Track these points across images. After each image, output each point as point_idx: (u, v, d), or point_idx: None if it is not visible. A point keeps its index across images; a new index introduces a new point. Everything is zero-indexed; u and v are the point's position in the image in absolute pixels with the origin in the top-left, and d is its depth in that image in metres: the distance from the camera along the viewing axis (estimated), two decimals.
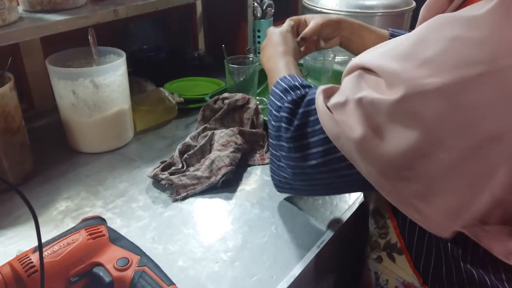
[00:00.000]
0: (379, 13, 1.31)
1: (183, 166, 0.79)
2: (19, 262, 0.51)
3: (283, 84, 0.64)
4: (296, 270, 0.60)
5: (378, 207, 0.65)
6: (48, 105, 1.06)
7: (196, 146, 0.83)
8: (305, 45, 0.89)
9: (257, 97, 1.10)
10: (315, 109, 0.54)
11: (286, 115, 0.59)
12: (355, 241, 0.74)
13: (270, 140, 0.65)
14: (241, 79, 1.00)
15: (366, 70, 0.50)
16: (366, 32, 0.88)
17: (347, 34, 0.89)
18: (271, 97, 0.65)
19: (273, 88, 0.67)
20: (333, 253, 0.70)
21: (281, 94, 0.63)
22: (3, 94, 0.71)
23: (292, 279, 0.58)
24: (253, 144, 0.88)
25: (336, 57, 1.08)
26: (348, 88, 0.51)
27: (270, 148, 0.66)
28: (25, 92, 1.03)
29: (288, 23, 0.86)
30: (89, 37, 0.87)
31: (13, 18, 0.77)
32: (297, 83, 0.64)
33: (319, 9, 1.35)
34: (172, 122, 1.02)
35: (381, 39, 0.85)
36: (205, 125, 0.91)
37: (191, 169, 0.80)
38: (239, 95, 0.92)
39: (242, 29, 1.32)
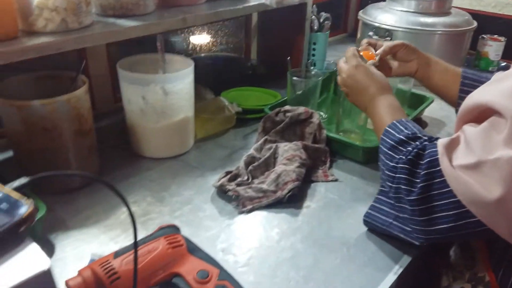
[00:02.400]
0: (439, 32, 1.28)
1: (248, 178, 0.78)
2: (101, 267, 0.51)
3: (389, 140, 0.63)
4: None
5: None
6: (107, 108, 1.07)
7: (260, 158, 0.82)
8: (379, 67, 0.86)
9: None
10: (439, 170, 0.53)
11: (404, 176, 0.57)
12: (431, 269, 0.71)
13: (388, 190, 0.63)
14: (300, 92, 0.99)
15: (493, 112, 0.48)
16: (441, 69, 0.86)
17: (423, 63, 0.86)
18: (381, 155, 0.64)
19: (381, 144, 0.65)
20: (409, 280, 0.67)
21: (391, 153, 0.61)
22: (79, 97, 0.72)
23: None
24: (315, 160, 0.87)
25: None
26: (479, 147, 0.49)
27: (384, 192, 0.65)
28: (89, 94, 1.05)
29: (353, 52, 0.81)
30: (157, 43, 0.89)
31: (87, 21, 0.78)
32: (404, 134, 0.62)
33: (377, 24, 1.33)
34: (230, 132, 1.01)
35: (455, 77, 0.83)
36: (266, 137, 0.90)
37: (256, 181, 0.79)
38: (301, 109, 0.91)
39: (298, 41, 1.31)
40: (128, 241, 0.66)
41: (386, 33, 1.31)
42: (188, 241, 0.58)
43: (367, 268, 0.62)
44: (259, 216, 0.73)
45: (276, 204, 0.75)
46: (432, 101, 1.09)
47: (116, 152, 0.91)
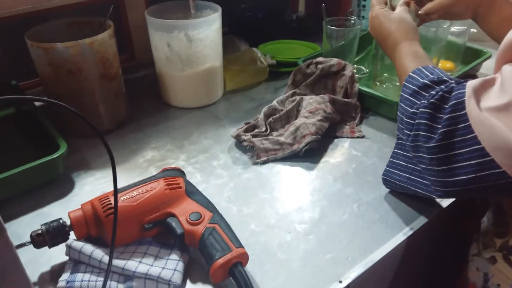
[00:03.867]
0: None
1: (266, 130, 0.76)
2: (100, 202, 0.53)
3: (412, 86, 0.56)
4: (377, 255, 0.54)
5: (500, 203, 0.56)
6: (148, 58, 1.08)
7: (282, 110, 0.79)
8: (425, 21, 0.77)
9: (355, 65, 1.02)
10: (464, 113, 0.47)
11: (425, 121, 0.51)
12: (454, 234, 0.65)
13: (404, 144, 0.58)
14: (339, 44, 0.93)
15: None
16: (507, 5, 0.73)
17: (483, 11, 0.74)
18: (401, 103, 0.58)
19: (402, 91, 0.59)
20: (424, 243, 0.63)
21: (412, 99, 0.55)
22: (102, 41, 0.73)
23: (370, 264, 0.53)
24: (344, 114, 0.82)
25: (452, 27, 0.95)
26: (511, 86, 0.43)
27: (397, 147, 0.60)
28: (127, 43, 1.07)
29: None
30: None
31: None
32: (429, 79, 0.55)
33: None
34: (262, 85, 0.99)
35: None
36: (295, 90, 0.86)
37: (275, 133, 0.76)
38: (334, 60, 0.86)
39: None
40: None
41: None
42: (189, 184, 0.58)
43: (374, 226, 0.59)
44: (273, 168, 0.71)
45: (293, 157, 0.73)
46: (490, 56, 0.97)
47: (148, 100, 0.93)
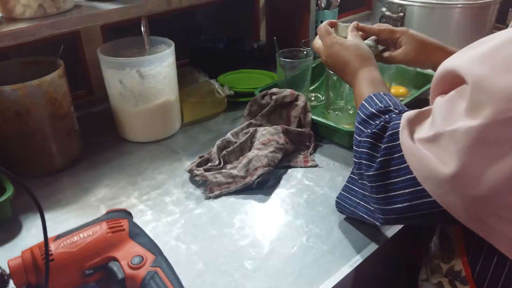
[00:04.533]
0: (460, 5, 1.17)
1: (220, 163, 0.77)
2: (39, 249, 0.52)
3: (362, 114, 0.59)
4: None
5: (445, 228, 0.58)
6: (106, 92, 1.09)
7: (236, 142, 0.80)
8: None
9: (312, 94, 1.04)
10: (399, 143, 0.48)
11: (366, 150, 0.53)
12: (406, 259, 0.66)
13: (353, 173, 0.60)
14: (294, 74, 0.95)
15: (462, 80, 0.43)
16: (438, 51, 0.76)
17: (437, 55, 0.76)
18: (355, 130, 0.60)
19: (356, 118, 0.61)
20: (374, 273, 0.63)
21: (360, 127, 0.57)
22: (51, 81, 0.73)
23: None
24: (298, 144, 0.83)
25: None
26: (440, 118, 0.44)
27: (352, 176, 0.62)
28: (85, 78, 1.07)
29: (325, 29, 0.75)
30: (141, 26, 0.88)
31: (68, 6, 0.79)
32: (377, 108, 0.57)
33: (395, 0, 1.23)
34: (220, 115, 1.00)
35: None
36: (251, 120, 0.87)
37: (228, 166, 0.77)
38: (287, 91, 0.87)
39: (304, 19, 1.25)
40: None
41: (399, 9, 1.22)
42: (133, 225, 0.57)
43: (322, 259, 0.59)
44: (226, 202, 0.71)
45: (246, 190, 0.73)
46: None
47: (105, 135, 0.92)
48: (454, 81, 0.45)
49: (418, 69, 1.02)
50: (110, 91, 0.86)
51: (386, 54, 0.80)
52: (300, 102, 0.86)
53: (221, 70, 1.14)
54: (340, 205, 0.64)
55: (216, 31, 1.35)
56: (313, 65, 0.98)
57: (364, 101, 0.61)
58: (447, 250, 0.61)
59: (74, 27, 0.80)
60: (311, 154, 0.82)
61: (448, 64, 0.47)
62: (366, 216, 0.58)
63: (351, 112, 0.92)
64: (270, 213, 0.68)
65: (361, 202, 0.59)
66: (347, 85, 0.86)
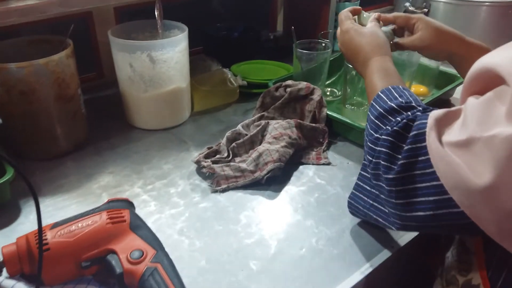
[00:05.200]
0: (487, 3, 1.12)
1: (228, 155, 0.73)
2: (35, 237, 0.49)
3: (379, 107, 0.54)
4: None
5: (464, 240, 0.54)
6: (113, 77, 1.06)
7: (246, 135, 0.77)
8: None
9: (328, 88, 1.00)
10: (425, 145, 0.44)
11: (386, 150, 0.48)
12: (420, 267, 0.63)
13: (365, 171, 0.56)
14: (310, 67, 0.91)
15: (501, 80, 0.39)
16: (479, 50, 0.72)
17: (457, 60, 0.74)
18: (367, 124, 0.56)
19: (369, 111, 0.56)
20: (387, 280, 0.60)
21: (377, 122, 0.53)
22: (58, 61, 0.70)
23: None
24: (311, 140, 0.79)
25: None
26: (475, 121, 0.40)
27: (363, 170, 0.57)
28: (96, 61, 1.04)
29: (345, 15, 0.73)
30: (155, 10, 0.84)
31: None
32: (397, 103, 0.53)
33: None
34: (232, 106, 0.96)
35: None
36: (263, 113, 0.84)
37: (237, 159, 0.74)
38: (303, 84, 0.83)
39: (324, 11, 1.21)
40: None
41: (423, 4, 1.17)
42: (135, 217, 0.55)
43: (331, 263, 0.56)
44: (233, 196, 0.68)
45: (254, 185, 0.70)
46: (462, 82, 0.95)
47: (111, 121, 0.89)
48: (491, 81, 0.41)
49: (441, 68, 0.97)
50: (119, 74, 0.83)
51: (401, 40, 0.76)
52: (316, 96, 0.82)
53: (234, 60, 1.10)
54: (352, 207, 0.60)
55: (232, 19, 1.31)
56: (331, 59, 0.94)
57: (381, 92, 0.56)
58: (465, 262, 0.57)
59: (84, 6, 0.78)
60: (324, 151, 0.78)
61: (485, 61, 0.42)
62: (380, 219, 0.54)
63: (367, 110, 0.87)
64: (279, 211, 0.65)
65: (374, 204, 0.55)
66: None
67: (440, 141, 0.43)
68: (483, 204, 0.39)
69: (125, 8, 1.02)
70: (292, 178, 0.72)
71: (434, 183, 0.43)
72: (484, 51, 0.70)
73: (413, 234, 0.61)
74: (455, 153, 0.41)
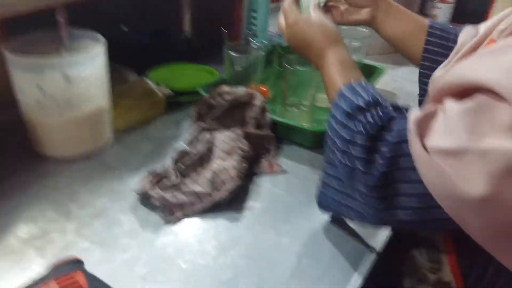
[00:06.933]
0: None
1: (177, 178, 0.64)
2: None
3: (345, 107, 0.50)
4: None
5: (431, 238, 0.53)
6: (7, 98, 0.88)
7: (194, 153, 0.68)
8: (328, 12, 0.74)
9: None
10: (409, 153, 0.42)
11: (362, 156, 0.45)
12: (393, 268, 0.62)
13: (329, 170, 0.53)
14: (240, 69, 0.85)
15: (485, 91, 0.37)
16: (405, 17, 0.73)
17: (382, 9, 0.74)
18: (331, 125, 0.51)
19: (334, 110, 0.52)
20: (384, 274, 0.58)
21: (345, 123, 0.49)
22: None
23: None
24: (259, 148, 0.74)
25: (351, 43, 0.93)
26: (463, 129, 0.38)
27: (329, 168, 0.54)
28: None
29: (289, 5, 0.68)
30: (58, 19, 0.70)
31: None
32: (363, 101, 0.49)
33: None
34: (159, 119, 0.86)
35: (420, 29, 0.72)
36: (202, 125, 0.76)
37: (187, 181, 0.65)
38: (242, 90, 0.77)
39: (236, 8, 1.16)
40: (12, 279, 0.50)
41: None
42: (91, 278, 0.44)
43: (320, 283, 0.51)
44: (192, 225, 0.60)
45: (213, 209, 0.62)
46: (383, 72, 0.99)
47: (13, 153, 0.73)
48: (472, 90, 0.40)
49: (365, 61, 0.99)
50: (23, 98, 0.67)
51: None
52: (258, 101, 0.77)
53: (146, 67, 0.99)
54: (322, 206, 0.58)
55: (136, 22, 1.18)
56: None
57: (344, 91, 0.53)
58: (435, 262, 0.58)
59: None
60: (274, 158, 0.74)
61: (471, 77, 0.40)
62: (355, 218, 0.52)
63: (305, 109, 0.85)
64: (249, 235, 0.58)
65: (346, 203, 0.52)
66: (301, 78, 0.80)
67: (424, 147, 0.41)
68: (475, 214, 0.38)
69: (11, 19, 0.84)
70: (251, 193, 0.66)
71: (421, 192, 0.42)
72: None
73: (387, 232, 0.60)
74: (444, 162, 0.39)
